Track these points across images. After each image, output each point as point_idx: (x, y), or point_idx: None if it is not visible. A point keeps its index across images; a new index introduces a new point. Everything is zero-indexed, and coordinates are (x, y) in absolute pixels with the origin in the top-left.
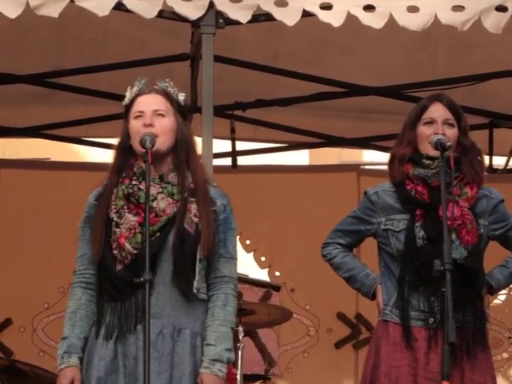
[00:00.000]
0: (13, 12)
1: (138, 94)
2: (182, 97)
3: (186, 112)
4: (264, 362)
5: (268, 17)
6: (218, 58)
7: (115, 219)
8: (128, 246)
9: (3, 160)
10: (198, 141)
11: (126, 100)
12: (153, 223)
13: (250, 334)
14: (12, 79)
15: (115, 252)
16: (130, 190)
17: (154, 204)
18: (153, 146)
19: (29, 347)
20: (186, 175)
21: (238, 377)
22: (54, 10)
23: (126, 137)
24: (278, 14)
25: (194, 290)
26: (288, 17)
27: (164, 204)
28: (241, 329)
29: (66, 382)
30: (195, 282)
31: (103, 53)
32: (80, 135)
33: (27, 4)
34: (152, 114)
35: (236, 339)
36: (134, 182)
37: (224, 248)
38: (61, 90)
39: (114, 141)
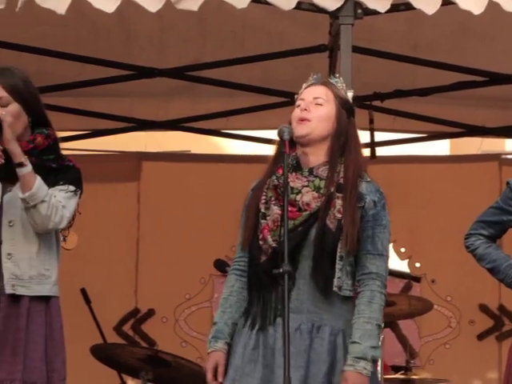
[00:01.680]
0: (154, 6)
1: (308, 85)
2: (350, 93)
3: (351, 108)
4: (405, 354)
5: (407, 6)
6: (356, 49)
7: (263, 210)
8: (269, 239)
9: (145, 153)
10: None
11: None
12: (294, 217)
13: (390, 325)
14: (153, 73)
15: (261, 243)
16: (276, 182)
17: (298, 197)
18: (291, 138)
19: (171, 337)
20: (338, 169)
21: (379, 368)
22: (193, 4)
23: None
24: (418, 2)
25: (334, 288)
26: (428, 5)
27: (308, 198)
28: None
29: (211, 366)
30: (335, 280)
31: (242, 46)
32: (219, 127)
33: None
34: (311, 101)
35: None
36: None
37: (372, 244)
38: (201, 83)
39: (253, 133)
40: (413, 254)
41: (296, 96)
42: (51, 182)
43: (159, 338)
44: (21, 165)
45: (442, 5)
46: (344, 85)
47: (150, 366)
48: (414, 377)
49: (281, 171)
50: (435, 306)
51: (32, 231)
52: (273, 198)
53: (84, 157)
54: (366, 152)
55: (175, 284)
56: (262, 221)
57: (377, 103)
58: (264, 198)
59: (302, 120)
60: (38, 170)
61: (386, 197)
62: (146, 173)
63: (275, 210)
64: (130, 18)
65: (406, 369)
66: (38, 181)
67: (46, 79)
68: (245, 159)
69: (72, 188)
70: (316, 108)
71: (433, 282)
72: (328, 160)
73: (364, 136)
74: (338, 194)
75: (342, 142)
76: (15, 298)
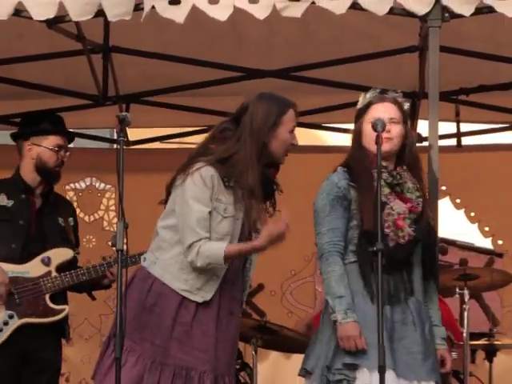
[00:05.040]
0: (262, 14)
1: (372, 102)
2: (407, 105)
3: (407, 118)
4: (488, 322)
5: (490, 9)
6: (443, 49)
7: (388, 203)
8: (407, 228)
9: None
10: (425, 123)
11: (360, 104)
12: (416, 211)
13: (475, 296)
14: (262, 74)
15: (387, 231)
16: (391, 179)
17: (413, 196)
18: (383, 129)
19: (279, 309)
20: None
21: (465, 335)
22: (297, 11)
23: (359, 135)
24: (499, 6)
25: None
26: (509, 8)
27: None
28: (466, 292)
29: (358, 334)
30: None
31: (340, 48)
32: (320, 122)
33: (274, 6)
34: (388, 121)
35: (462, 301)
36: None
37: None
38: (303, 82)
39: (350, 126)
40: (496, 233)
41: (359, 105)
42: None
43: (268, 309)
44: None
45: None
46: (403, 98)
47: (260, 333)
48: (496, 342)
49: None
50: None
51: None
52: (393, 194)
53: None
54: (453, 142)
55: (282, 262)
56: (391, 211)
57: (462, 97)
58: (382, 192)
59: (385, 139)
60: None
61: (470, 181)
62: None
63: (401, 205)
64: (241, 24)
65: (490, 335)
66: None
67: (167, 81)
68: (342, 150)
69: None
70: (394, 126)
71: None
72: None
73: (451, 127)
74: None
75: (411, 151)
76: None
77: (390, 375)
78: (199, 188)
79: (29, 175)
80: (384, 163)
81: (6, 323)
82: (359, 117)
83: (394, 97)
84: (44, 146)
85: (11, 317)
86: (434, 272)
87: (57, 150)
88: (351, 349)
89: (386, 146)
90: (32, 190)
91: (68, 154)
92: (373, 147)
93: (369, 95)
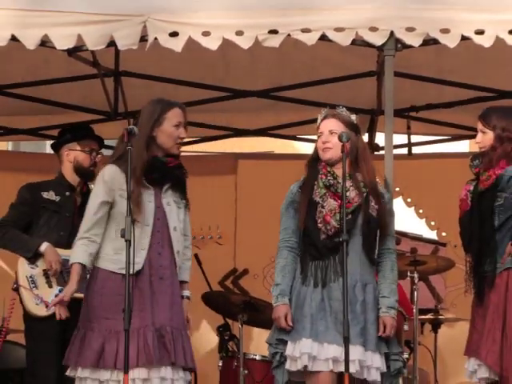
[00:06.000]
0: (246, 44)
1: (322, 119)
2: (353, 117)
3: (358, 128)
4: (434, 300)
5: (435, 41)
6: (397, 73)
7: (321, 202)
8: (333, 222)
9: (240, 153)
10: (382, 135)
11: (318, 121)
12: (348, 207)
13: (423, 279)
14: (245, 94)
15: (320, 225)
16: (332, 182)
17: (348, 194)
18: (348, 140)
19: (261, 289)
20: (362, 175)
21: (415, 311)
22: (275, 42)
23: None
24: (443, 38)
25: (375, 257)
26: (450, 41)
27: (353, 194)
28: (416, 275)
29: (282, 314)
30: (376, 251)
31: (312, 72)
32: (295, 134)
33: (256, 38)
34: (328, 133)
35: (413, 283)
36: (329, 178)
37: (389, 228)
38: (281, 101)
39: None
40: (440, 226)
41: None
42: None
43: (252, 290)
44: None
45: (461, 40)
46: (348, 112)
47: (245, 310)
48: (440, 317)
49: (323, 177)
50: (457, 264)
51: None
52: (328, 194)
53: (196, 157)
54: (405, 151)
55: (263, 251)
56: (321, 209)
57: (413, 114)
58: (318, 193)
59: (325, 149)
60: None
61: (423, 185)
62: (241, 168)
63: (332, 202)
64: (229, 52)
65: (435, 311)
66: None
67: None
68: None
69: None
70: (332, 137)
71: (455, 246)
72: (352, 170)
73: (403, 139)
74: (371, 193)
75: (355, 155)
76: None
77: (307, 342)
78: (96, 184)
79: (69, 176)
80: (329, 168)
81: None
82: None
83: (334, 113)
84: (79, 150)
85: (61, 291)
86: (371, 255)
87: (89, 152)
88: (280, 327)
89: (325, 155)
90: (74, 189)
91: (100, 156)
92: (321, 156)
93: (323, 112)
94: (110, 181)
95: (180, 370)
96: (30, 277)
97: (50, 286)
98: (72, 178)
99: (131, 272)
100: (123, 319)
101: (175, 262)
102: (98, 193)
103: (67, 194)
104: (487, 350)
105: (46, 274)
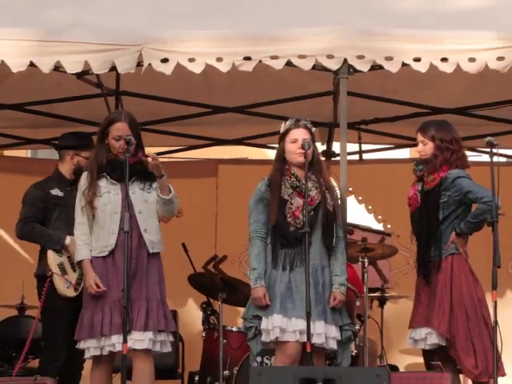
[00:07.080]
0: (225, 68)
1: (291, 128)
2: (314, 129)
3: (314, 136)
4: (381, 280)
5: (380, 67)
6: (349, 93)
7: (289, 200)
8: (301, 217)
9: (220, 159)
10: (337, 144)
11: (282, 129)
12: (312, 204)
13: (372, 263)
14: (224, 110)
15: (289, 220)
16: (297, 184)
17: (311, 193)
18: (309, 147)
19: (237, 273)
20: (325, 177)
21: (365, 289)
22: (249, 67)
23: (282, 152)
24: (387, 65)
25: (334, 245)
26: (393, 67)
27: (314, 193)
28: (366, 260)
29: (262, 295)
30: (334, 240)
31: (280, 91)
32: (267, 143)
33: (233, 63)
34: (302, 141)
35: (363, 266)
36: (293, 179)
37: (340, 221)
38: (255, 115)
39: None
40: (386, 220)
41: (282, 129)
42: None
43: (230, 273)
44: (162, 176)
45: (402, 66)
46: (311, 124)
47: (224, 289)
48: (386, 295)
49: (288, 178)
50: (399, 251)
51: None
52: (294, 193)
53: (183, 162)
54: (356, 157)
55: (240, 240)
56: (290, 206)
57: (363, 126)
58: (286, 193)
59: (300, 154)
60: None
61: (371, 185)
62: (221, 171)
63: (299, 200)
64: (210, 75)
65: (382, 290)
66: (170, 185)
67: (160, 115)
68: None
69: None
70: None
71: (398, 236)
72: (312, 173)
73: (355, 147)
74: (327, 191)
75: (318, 161)
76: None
77: (278, 317)
78: (81, 183)
79: (68, 174)
80: (292, 171)
81: (81, 278)
82: (281, 138)
83: (304, 124)
84: (83, 156)
85: (82, 274)
86: (330, 243)
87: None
88: (260, 305)
89: (300, 159)
90: (73, 183)
91: None
92: (292, 159)
93: (288, 123)
94: (86, 178)
95: (162, 333)
96: (61, 264)
97: (74, 270)
98: (69, 175)
99: (105, 254)
100: (107, 293)
101: (144, 241)
102: (82, 189)
103: (68, 189)
104: (439, 321)
105: (70, 260)
